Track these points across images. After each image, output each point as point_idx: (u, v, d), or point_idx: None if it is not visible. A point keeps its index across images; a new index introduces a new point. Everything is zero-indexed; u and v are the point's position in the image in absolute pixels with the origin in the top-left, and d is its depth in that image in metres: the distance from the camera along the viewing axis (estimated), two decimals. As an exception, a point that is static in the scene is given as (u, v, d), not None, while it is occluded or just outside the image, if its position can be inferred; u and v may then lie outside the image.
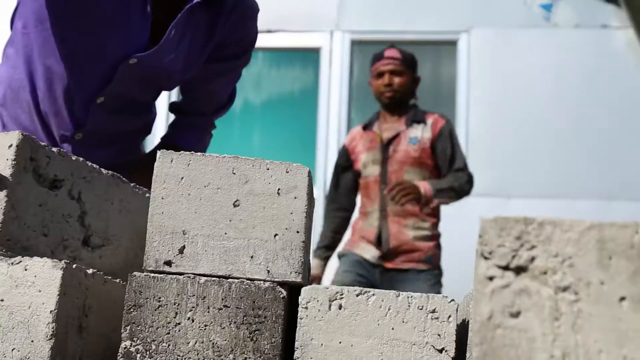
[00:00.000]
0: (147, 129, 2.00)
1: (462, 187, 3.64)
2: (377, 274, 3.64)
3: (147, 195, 1.41)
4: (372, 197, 3.72)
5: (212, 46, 1.85)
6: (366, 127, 3.92)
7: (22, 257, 1.14)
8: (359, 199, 3.88)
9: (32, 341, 1.09)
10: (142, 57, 1.73)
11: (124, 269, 1.38)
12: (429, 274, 3.61)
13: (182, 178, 1.19)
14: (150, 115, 1.98)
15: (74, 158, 1.27)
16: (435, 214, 3.70)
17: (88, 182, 1.30)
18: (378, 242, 3.65)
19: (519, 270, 0.84)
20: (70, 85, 1.74)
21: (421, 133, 3.73)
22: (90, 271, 1.18)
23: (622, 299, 0.81)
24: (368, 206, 3.74)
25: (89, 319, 1.18)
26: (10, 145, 1.17)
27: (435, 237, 3.68)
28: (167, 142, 1.97)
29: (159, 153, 1.20)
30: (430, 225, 3.66)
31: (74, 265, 1.14)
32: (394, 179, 3.65)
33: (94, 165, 1.32)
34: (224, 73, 1.96)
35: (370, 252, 3.66)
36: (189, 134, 2.00)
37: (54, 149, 1.24)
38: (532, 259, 0.83)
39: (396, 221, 3.62)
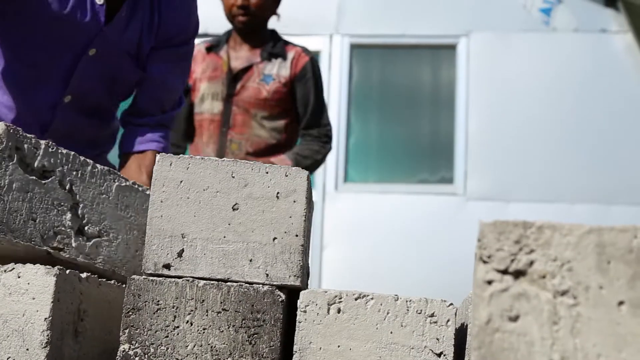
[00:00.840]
0: (113, 140, 2.09)
1: (323, 155, 3.06)
2: None
3: (148, 192, 1.40)
4: (206, 140, 2.99)
5: (154, 33, 1.95)
6: (211, 49, 3.09)
7: (15, 264, 1.14)
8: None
9: (28, 349, 1.09)
10: (99, 43, 1.82)
11: (124, 262, 1.36)
12: None
13: (181, 181, 1.19)
14: (115, 124, 2.06)
15: (64, 151, 1.26)
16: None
17: (80, 175, 1.29)
18: None
19: (518, 274, 0.84)
20: (34, 91, 1.83)
21: (277, 70, 3.01)
22: (84, 275, 1.18)
23: (621, 303, 0.81)
24: (200, 149, 3.01)
25: (84, 323, 1.18)
26: None
27: None
28: (137, 150, 2.00)
29: (158, 157, 1.20)
30: None
31: (68, 271, 1.14)
32: (239, 122, 2.96)
33: (88, 160, 1.31)
34: (175, 60, 2.02)
35: None
36: (160, 135, 2.05)
37: (42, 142, 1.23)
38: (531, 263, 0.83)
39: None
